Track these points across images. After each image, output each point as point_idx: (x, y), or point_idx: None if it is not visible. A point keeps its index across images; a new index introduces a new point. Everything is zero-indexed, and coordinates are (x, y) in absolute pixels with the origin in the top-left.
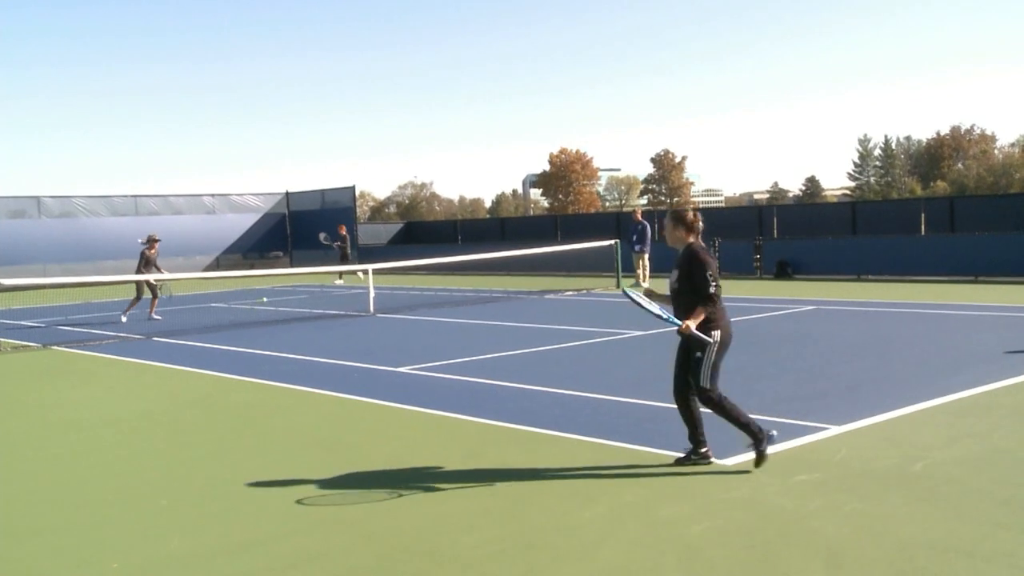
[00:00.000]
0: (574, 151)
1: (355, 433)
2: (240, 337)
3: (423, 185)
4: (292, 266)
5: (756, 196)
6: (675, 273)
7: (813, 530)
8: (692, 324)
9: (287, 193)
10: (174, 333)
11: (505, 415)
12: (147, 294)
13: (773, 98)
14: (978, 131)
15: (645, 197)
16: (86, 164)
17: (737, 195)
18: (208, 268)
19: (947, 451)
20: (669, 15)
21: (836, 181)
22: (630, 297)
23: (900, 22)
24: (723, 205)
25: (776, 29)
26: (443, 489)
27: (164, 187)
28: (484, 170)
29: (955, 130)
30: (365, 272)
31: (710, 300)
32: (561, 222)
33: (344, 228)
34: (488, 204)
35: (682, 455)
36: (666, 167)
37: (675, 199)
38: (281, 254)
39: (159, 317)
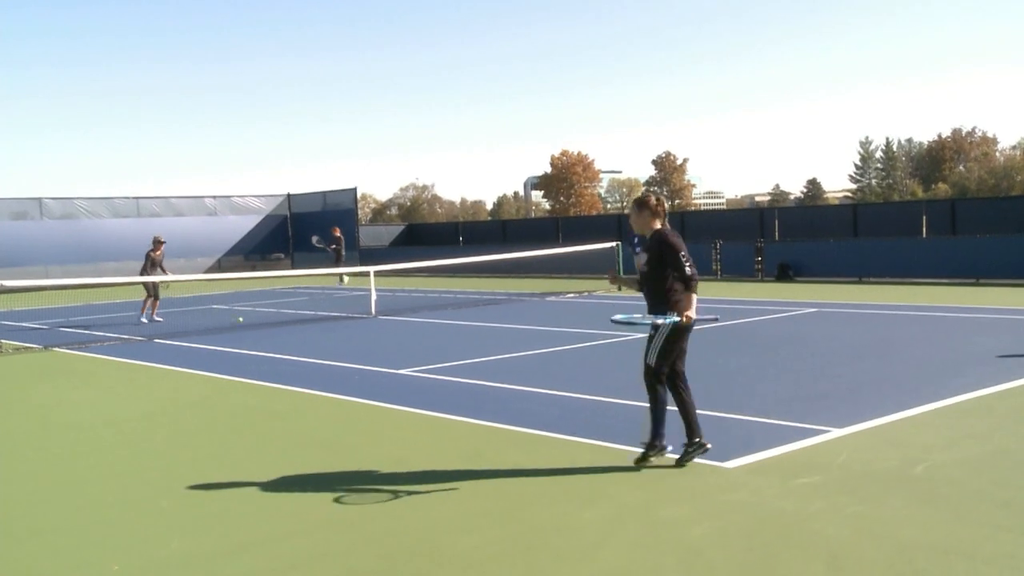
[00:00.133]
0: (575, 153)
1: (355, 435)
2: (241, 339)
3: (425, 187)
4: (294, 268)
5: (757, 198)
6: (643, 256)
7: (814, 532)
8: (691, 313)
9: (289, 195)
10: (175, 335)
11: (506, 417)
12: (156, 294)
13: (774, 100)
14: (979, 133)
15: None
16: (88, 165)
17: (738, 197)
18: (210, 270)
19: (948, 453)
20: (670, 17)
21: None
22: (621, 323)
23: (901, 24)
24: (724, 207)
25: (777, 31)
26: (443, 491)
27: (166, 189)
28: (485, 172)
29: (956, 132)
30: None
31: (691, 281)
32: (562, 224)
33: (338, 230)
34: (490, 206)
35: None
36: (667, 169)
37: (676, 201)
38: (283, 256)
39: (160, 319)
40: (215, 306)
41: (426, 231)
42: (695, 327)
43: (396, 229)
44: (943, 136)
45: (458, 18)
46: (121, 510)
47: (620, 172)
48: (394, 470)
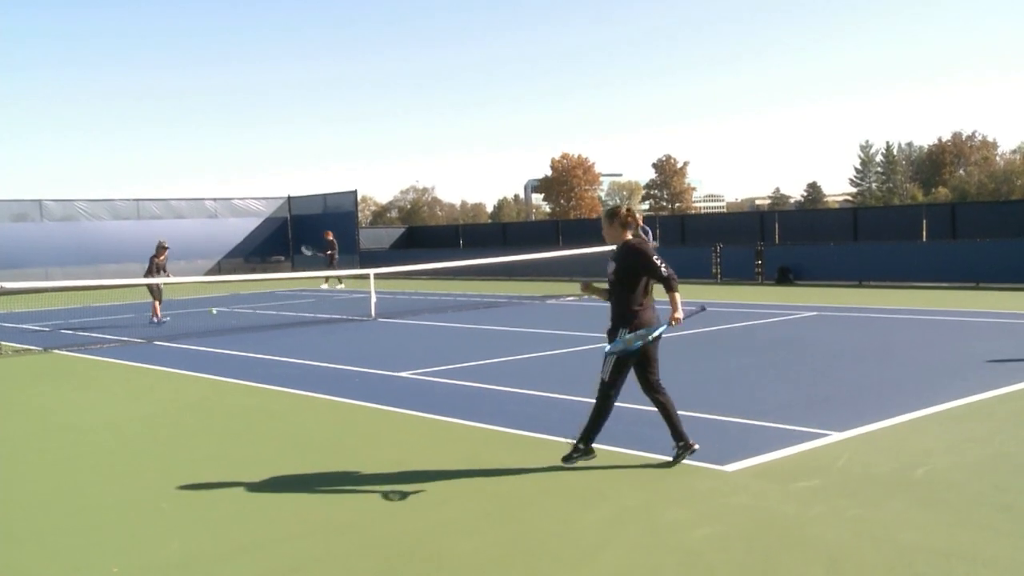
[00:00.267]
0: (576, 156)
1: (355, 437)
2: (241, 341)
3: (425, 190)
4: (294, 270)
5: (758, 202)
6: (612, 265)
7: (814, 536)
8: (679, 314)
9: (289, 197)
10: (175, 337)
11: (505, 420)
12: (159, 297)
13: (775, 103)
14: (980, 137)
15: (647, 202)
16: (88, 168)
17: (739, 200)
18: (210, 272)
19: (948, 457)
20: (671, 20)
21: (838, 187)
22: (617, 352)
23: (902, 28)
24: (725, 210)
25: (778, 35)
26: (443, 493)
27: (166, 191)
28: (486, 175)
29: (957, 136)
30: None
31: (671, 281)
32: (563, 227)
33: (331, 234)
34: (490, 209)
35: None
36: (668, 172)
37: (676, 204)
38: (283, 258)
39: (167, 319)
40: (215, 308)
41: (426, 234)
42: (685, 330)
43: (396, 232)
44: (943, 140)
45: (459, 21)
46: (120, 512)
47: (620, 175)
48: (393, 472)
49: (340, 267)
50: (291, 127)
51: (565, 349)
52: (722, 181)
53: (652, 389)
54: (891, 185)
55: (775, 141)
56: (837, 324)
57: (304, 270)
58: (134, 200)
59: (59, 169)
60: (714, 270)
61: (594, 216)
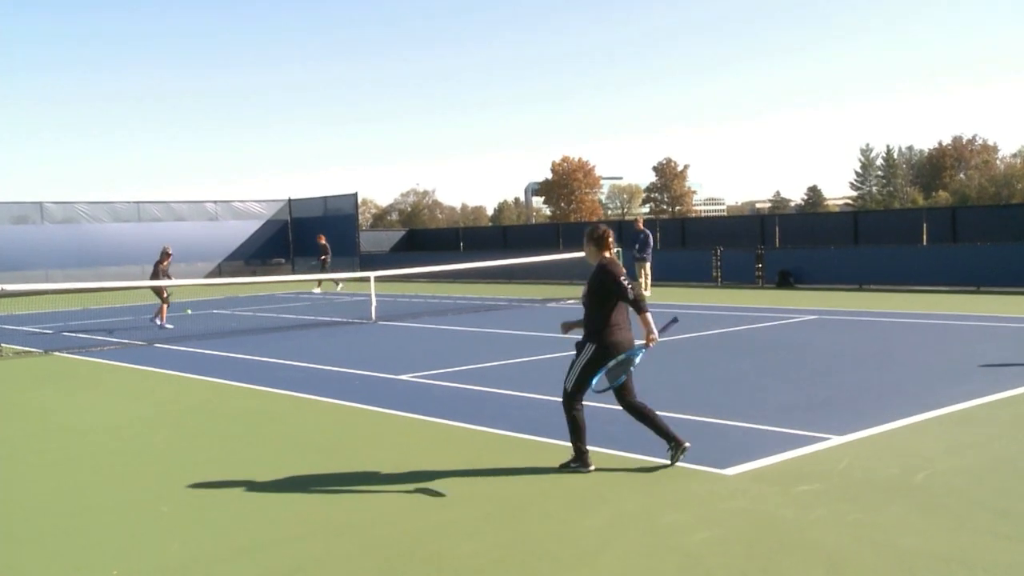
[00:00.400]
0: (576, 159)
1: (355, 440)
2: (242, 344)
3: (425, 193)
4: (294, 273)
5: (758, 205)
6: (585, 288)
7: (814, 540)
8: (654, 335)
9: (289, 200)
10: (176, 339)
11: (506, 423)
12: (161, 300)
13: (775, 107)
14: (980, 141)
15: (647, 206)
16: (89, 170)
17: (739, 204)
18: (210, 275)
19: (949, 461)
20: (671, 24)
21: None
22: (604, 388)
23: (903, 32)
24: (725, 214)
25: (779, 38)
26: (443, 496)
27: (167, 193)
28: (486, 178)
29: (957, 140)
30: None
31: (640, 302)
32: (563, 230)
33: (323, 237)
34: (490, 212)
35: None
36: (668, 176)
37: (677, 208)
38: (283, 261)
39: (171, 325)
40: (215, 311)
41: (427, 237)
42: (686, 333)
43: (397, 234)
44: (944, 144)
45: (459, 23)
46: (121, 514)
47: (621, 178)
48: (394, 475)
49: (336, 269)
50: (292, 129)
51: (566, 353)
52: (722, 184)
53: (630, 407)
54: (891, 189)
55: (775, 144)
56: (837, 328)
57: (304, 273)
58: (135, 202)
59: (60, 171)
60: (714, 273)
61: (594, 219)
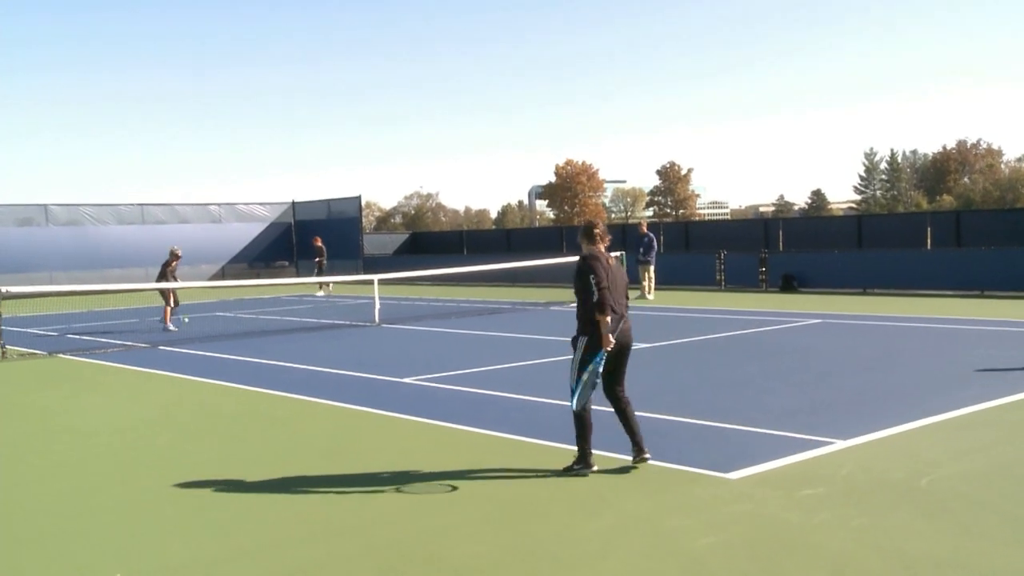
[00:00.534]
0: (580, 163)
1: (358, 443)
2: (245, 346)
3: (429, 196)
4: (298, 276)
5: (762, 209)
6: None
7: (818, 544)
8: (609, 340)
9: (293, 203)
10: (179, 342)
11: (509, 426)
12: (169, 302)
13: (779, 111)
14: (984, 145)
15: (651, 209)
16: (93, 172)
17: (743, 208)
18: (214, 277)
19: (953, 466)
20: (675, 27)
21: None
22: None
23: (907, 36)
24: (728, 217)
25: (782, 42)
26: (445, 499)
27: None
28: (490, 181)
29: (961, 144)
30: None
31: (599, 306)
32: (567, 233)
33: (319, 240)
34: (494, 215)
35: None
36: (672, 179)
37: (680, 211)
38: (287, 263)
39: (175, 328)
40: (219, 313)
41: (430, 240)
42: (688, 336)
43: (400, 237)
44: (948, 148)
45: (463, 26)
46: (124, 516)
47: (624, 182)
48: (396, 478)
49: (335, 272)
50: (296, 132)
51: (569, 356)
52: (726, 188)
53: (616, 399)
54: (895, 193)
55: (779, 148)
56: (841, 332)
57: (308, 275)
58: (139, 205)
59: (64, 174)
60: (718, 277)
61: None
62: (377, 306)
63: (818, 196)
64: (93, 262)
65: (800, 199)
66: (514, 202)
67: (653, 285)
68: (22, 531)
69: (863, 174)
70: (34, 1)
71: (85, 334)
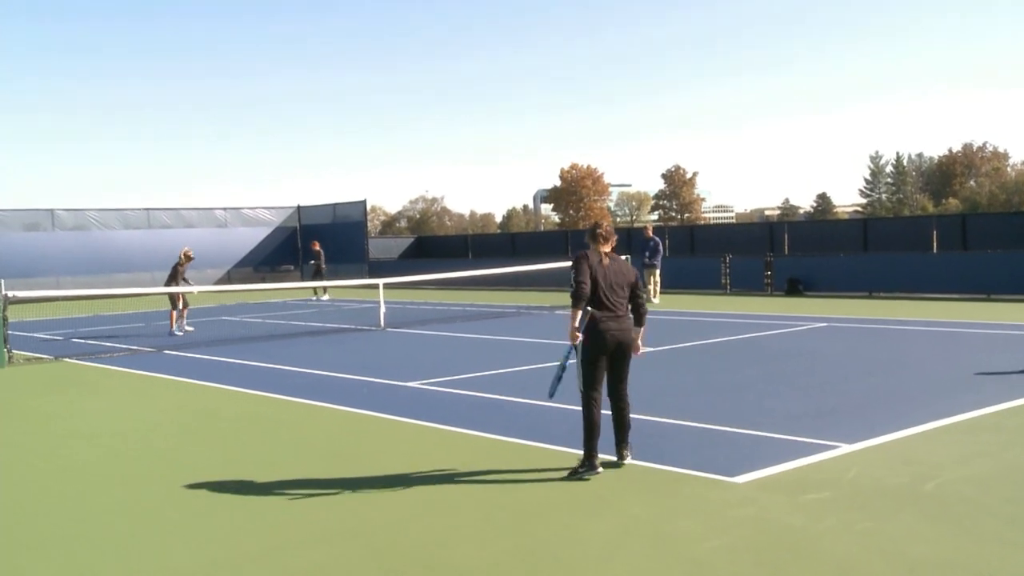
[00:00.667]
0: (585, 167)
1: (362, 447)
2: (250, 350)
3: (434, 200)
4: (303, 280)
5: (767, 212)
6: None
7: (823, 549)
8: (577, 336)
9: (299, 207)
10: (184, 346)
11: (513, 430)
12: (176, 305)
13: (785, 114)
14: (990, 148)
15: (656, 213)
16: (99, 177)
17: (748, 211)
18: (219, 281)
19: (959, 470)
20: (680, 31)
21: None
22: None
23: (912, 39)
24: (734, 221)
25: (786, 45)
26: (449, 502)
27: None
28: (495, 185)
29: (967, 147)
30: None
31: (573, 299)
32: (572, 237)
33: (317, 244)
34: (499, 219)
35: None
36: (677, 183)
37: (686, 215)
38: (292, 268)
39: (180, 333)
40: (224, 318)
41: (435, 244)
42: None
43: (405, 241)
44: (954, 151)
45: (469, 31)
46: (127, 520)
47: (630, 186)
48: (401, 482)
49: (337, 276)
50: (301, 137)
51: (573, 360)
52: (731, 192)
53: (617, 397)
54: (901, 196)
55: (785, 152)
56: (847, 335)
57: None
58: (145, 209)
59: (71, 179)
60: (723, 281)
61: None
62: (382, 310)
63: (823, 200)
64: (99, 267)
65: (805, 203)
66: (519, 206)
67: (659, 289)
68: (25, 534)
69: (868, 177)
70: (41, 7)
71: (91, 338)
